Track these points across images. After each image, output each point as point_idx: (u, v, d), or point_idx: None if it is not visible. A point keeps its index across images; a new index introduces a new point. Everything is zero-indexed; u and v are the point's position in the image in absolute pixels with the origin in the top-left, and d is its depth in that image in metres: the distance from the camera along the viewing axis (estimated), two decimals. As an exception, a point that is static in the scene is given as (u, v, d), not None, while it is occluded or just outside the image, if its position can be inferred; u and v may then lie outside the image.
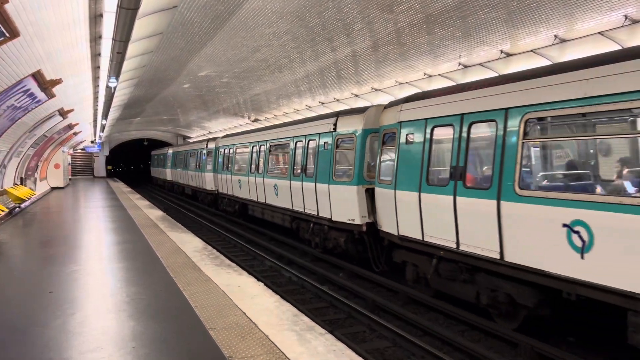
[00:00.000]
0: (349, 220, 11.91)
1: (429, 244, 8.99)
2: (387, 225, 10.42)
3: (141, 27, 12.21)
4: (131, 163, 77.69)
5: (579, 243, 6.28)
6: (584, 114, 6.40)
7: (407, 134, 9.73)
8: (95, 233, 13.55)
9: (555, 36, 12.19)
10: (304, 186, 14.05)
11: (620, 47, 11.26)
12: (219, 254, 10.19)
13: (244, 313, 6.16)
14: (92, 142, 45.54)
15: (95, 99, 19.36)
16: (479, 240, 7.86)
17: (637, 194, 6.04)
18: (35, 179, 28.37)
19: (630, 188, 6.45)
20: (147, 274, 8.45)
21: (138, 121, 44.01)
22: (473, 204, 7.96)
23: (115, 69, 11.86)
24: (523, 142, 7.21)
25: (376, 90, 20.14)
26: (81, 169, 53.00)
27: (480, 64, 14.91)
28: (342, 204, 12.16)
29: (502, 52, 13.87)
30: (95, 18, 9.78)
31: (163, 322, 6.00)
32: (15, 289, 7.85)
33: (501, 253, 7.44)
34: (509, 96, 7.42)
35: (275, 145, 16.99)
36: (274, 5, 13.65)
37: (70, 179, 42.75)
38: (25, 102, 13.45)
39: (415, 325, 8.50)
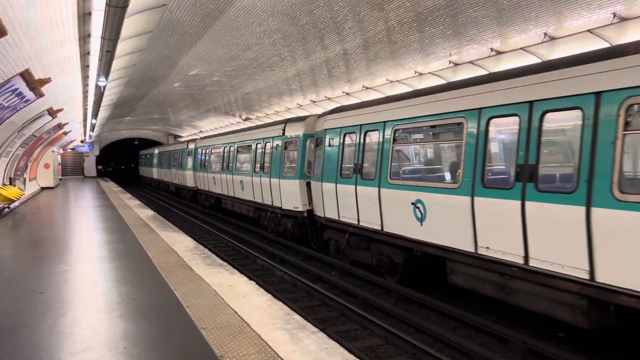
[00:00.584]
0: (294, 208, 14.60)
1: (343, 222, 11.69)
2: (319, 210, 13.04)
3: (130, 25, 12.15)
4: (122, 163, 77.30)
5: (419, 215, 8.98)
6: (431, 126, 9.19)
7: (329, 139, 12.42)
8: (85, 233, 13.47)
9: (545, 34, 12.25)
10: (262, 181, 16.79)
11: (608, 45, 11.34)
12: (210, 253, 10.16)
13: (236, 312, 6.15)
14: (82, 141, 45.26)
15: (85, 98, 19.23)
16: (370, 218, 10.56)
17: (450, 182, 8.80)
18: (25, 179, 28.15)
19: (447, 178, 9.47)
20: (138, 274, 8.41)
21: (128, 120, 43.78)
22: (365, 191, 10.67)
23: (105, 68, 11.79)
24: (393, 146, 10.07)
25: (367, 88, 20.16)
26: (71, 168, 52.66)
27: (470, 62, 14.96)
28: (289, 195, 14.80)
29: (492, 50, 13.93)
30: (84, 16, 9.71)
31: (154, 322, 5.98)
32: (5, 289, 7.78)
33: (381, 225, 10.17)
34: (385, 114, 10.20)
35: (241, 146, 19.60)
36: (264, 3, 13.62)
37: (60, 179, 42.45)
38: (14, 102, 13.33)
39: (407, 323, 8.52)
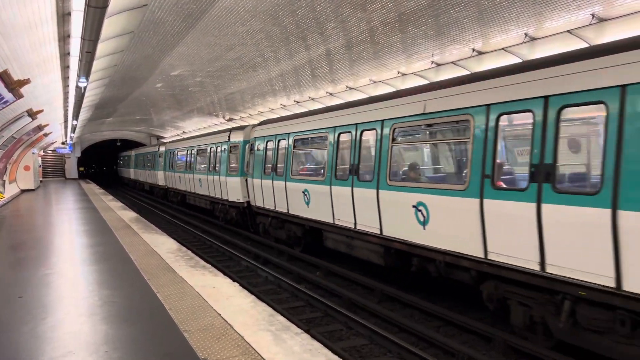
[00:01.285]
0: (237, 200, 18.35)
1: (267, 209, 15.35)
2: (252, 201, 16.59)
3: (111, 25, 12.02)
4: (104, 164, 76.41)
5: (306, 200, 12.65)
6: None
7: (257, 145, 16.09)
8: (67, 236, 13.30)
9: (526, 34, 12.36)
10: (214, 179, 20.43)
11: (587, 45, 11.49)
12: (193, 255, 10.10)
13: (219, 314, 6.12)
14: (63, 143, 44.65)
15: (66, 99, 18.98)
16: (282, 205, 14.05)
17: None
18: (4, 181, 27.70)
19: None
20: (120, 277, 8.33)
21: (110, 121, 43.31)
22: (279, 185, 14.13)
23: (85, 69, 11.63)
24: (294, 151, 13.72)
25: (351, 89, 20.17)
26: (52, 170, 51.92)
27: (452, 63, 15.03)
28: (233, 190, 18.58)
29: (474, 50, 14.02)
30: (64, 16, 9.57)
31: (136, 325, 5.92)
32: (-17, 294, 7.65)
33: (287, 210, 13.73)
34: (290, 127, 13.92)
35: (200, 149, 23.28)
36: (246, 3, 13.56)
37: (41, 181, 41.86)
38: (-8, 103, 13.12)
39: (392, 322, 8.55)
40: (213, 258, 14.36)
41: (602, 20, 10.74)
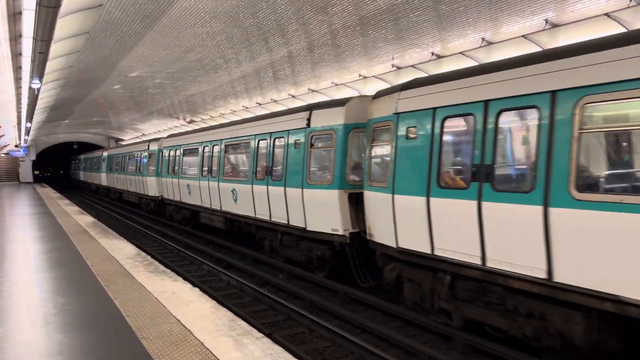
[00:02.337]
0: (154, 194, 23.23)
1: (171, 200, 20.78)
2: (164, 195, 21.58)
3: (64, 25, 11.70)
4: (61, 167, 74.26)
5: (189, 191, 18.12)
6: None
7: (164, 152, 21.57)
8: (21, 242, 12.85)
9: (483, 39, 12.65)
10: (139, 179, 25.18)
11: (541, 49, 11.84)
12: (153, 260, 9.91)
13: (179, 320, 6.01)
14: (16, 146, 43.22)
15: (19, 100, 18.38)
16: (178, 196, 19.47)
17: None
18: (-47, 186, 26.56)
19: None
20: (76, 284, 8.09)
21: (67, 123, 42.17)
22: (176, 182, 19.44)
23: (38, 70, 11.31)
24: (183, 158, 19.13)
25: (313, 91, 20.22)
26: (6, 174, 50.18)
27: (412, 66, 15.26)
28: (151, 187, 23.22)
29: (433, 54, 14.26)
30: (14, 16, 9.28)
31: (92, 333, 5.76)
32: None
33: (180, 199, 19.05)
34: (182, 140, 19.46)
35: (130, 155, 27.68)
36: (206, 4, 13.42)
37: (-7, 186, 40.36)
38: (-61, 105, 12.58)
39: (354, 324, 8.58)
40: (174, 263, 14.13)
41: (555, 25, 11.09)
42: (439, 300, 7.73)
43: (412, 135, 7.97)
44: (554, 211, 5.79)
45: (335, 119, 10.31)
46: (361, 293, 10.00)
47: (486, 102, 6.72)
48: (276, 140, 12.48)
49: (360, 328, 8.41)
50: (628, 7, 9.74)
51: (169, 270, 8.87)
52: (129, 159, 27.96)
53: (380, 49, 15.04)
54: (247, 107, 25.46)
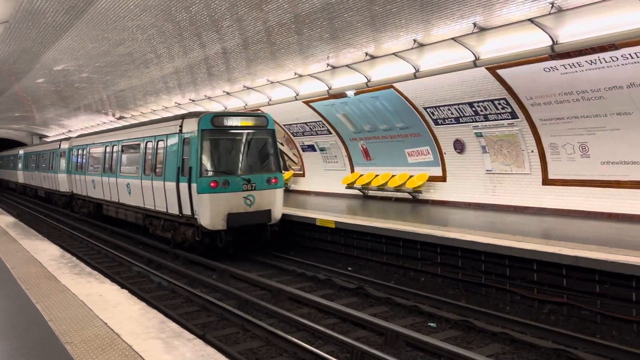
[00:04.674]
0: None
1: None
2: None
3: (-19, 13, 10.97)
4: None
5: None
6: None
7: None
8: None
9: (414, 40, 12.93)
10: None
11: (470, 52, 12.27)
12: (79, 261, 9.48)
13: (106, 323, 5.78)
14: None
15: None
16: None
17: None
18: None
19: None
20: (-6, 288, 7.61)
21: (-16, 119, 39.62)
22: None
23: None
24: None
25: (248, 88, 20.01)
26: None
27: (347, 66, 15.39)
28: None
29: (367, 54, 14.44)
30: None
31: (12, 339, 5.44)
32: None
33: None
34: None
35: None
36: (136, -3, 12.97)
37: None
38: None
39: (288, 322, 8.57)
40: (101, 264, 13.58)
41: (482, 29, 11.50)
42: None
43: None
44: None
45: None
46: (298, 291, 10.01)
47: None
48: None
49: (295, 326, 8.41)
50: (549, 13, 10.25)
51: (95, 272, 8.51)
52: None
53: (315, 48, 15.07)
54: (179, 104, 24.86)
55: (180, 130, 13.76)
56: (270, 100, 19.86)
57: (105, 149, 19.54)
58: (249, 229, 13.62)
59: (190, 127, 13.41)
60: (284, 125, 21.52)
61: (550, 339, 7.68)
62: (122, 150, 17.99)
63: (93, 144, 21.38)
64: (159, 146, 15.06)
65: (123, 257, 14.14)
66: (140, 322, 5.80)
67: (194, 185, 12.86)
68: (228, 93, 21.17)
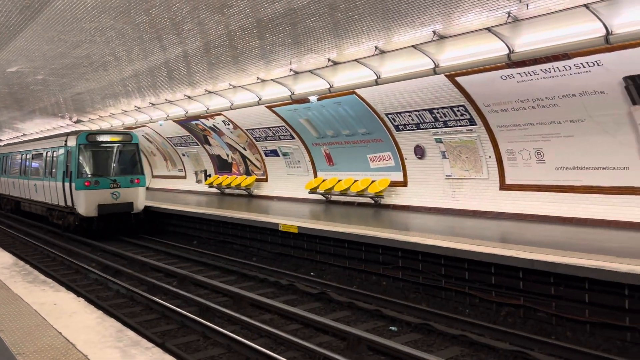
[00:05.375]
0: None
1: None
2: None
3: None
4: None
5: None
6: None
7: None
8: None
9: (376, 47, 13.07)
10: None
11: (430, 60, 12.48)
12: (32, 269, 9.17)
13: (60, 333, 5.60)
14: None
15: None
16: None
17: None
18: None
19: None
20: (-60, 298, 7.28)
21: None
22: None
23: None
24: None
25: (210, 92, 19.80)
26: None
27: (310, 71, 15.42)
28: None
29: (329, 60, 14.51)
30: None
31: (-42, 352, 5.21)
32: None
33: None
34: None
35: None
36: (94, -2, 12.68)
37: None
38: None
39: (250, 329, 8.50)
40: (57, 272, 13.18)
41: (442, 37, 11.72)
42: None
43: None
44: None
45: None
46: (260, 297, 9.94)
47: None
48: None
49: (257, 332, 8.35)
50: (506, 23, 10.53)
51: (50, 280, 8.25)
52: None
53: (278, 53, 15.05)
54: (139, 108, 24.42)
55: (65, 144, 18.84)
56: (232, 104, 19.72)
57: (21, 156, 24.38)
58: (117, 216, 18.45)
59: (72, 142, 18.44)
60: (247, 129, 21.40)
61: (508, 340, 7.85)
62: (33, 158, 22.69)
63: (13, 152, 26.45)
64: (54, 155, 19.84)
65: (79, 263, 13.76)
66: (96, 331, 5.65)
67: (73, 184, 17.89)
68: (189, 97, 20.91)
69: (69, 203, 18.25)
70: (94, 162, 18.48)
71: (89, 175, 18.15)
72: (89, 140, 18.40)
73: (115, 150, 18.94)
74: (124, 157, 19.21)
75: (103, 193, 17.97)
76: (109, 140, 18.96)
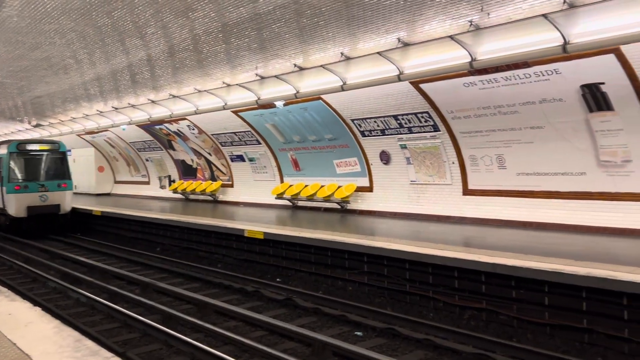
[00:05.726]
0: None
1: None
2: None
3: None
4: None
5: None
6: None
7: None
8: None
9: (342, 53, 13.15)
10: None
11: (395, 67, 12.62)
12: (-14, 278, 8.85)
13: (15, 344, 5.40)
14: None
15: None
16: None
17: None
18: None
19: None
20: None
21: None
22: None
23: None
24: None
25: (174, 97, 19.55)
26: None
27: (276, 76, 15.39)
28: None
29: (295, 65, 14.52)
30: None
31: None
32: None
33: None
34: None
35: None
36: (55, -1, 12.41)
37: None
38: None
39: (215, 336, 8.39)
40: (12, 280, 12.75)
41: (406, 44, 11.88)
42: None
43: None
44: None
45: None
46: (224, 304, 9.82)
47: None
48: None
49: (222, 340, 8.24)
50: (468, 31, 10.74)
51: (4, 289, 7.96)
52: None
53: (243, 58, 14.99)
54: (101, 112, 23.93)
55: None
56: (197, 109, 19.51)
57: None
58: (45, 217, 20.31)
59: (3, 151, 20.33)
60: (212, 134, 21.20)
61: (471, 344, 7.96)
62: None
63: None
64: None
65: (36, 271, 13.35)
66: (53, 341, 5.47)
67: (4, 188, 19.75)
68: (153, 101, 20.61)
69: (2, 205, 20.21)
70: (24, 168, 20.36)
71: (19, 180, 20.05)
72: (19, 149, 20.32)
73: (44, 157, 20.91)
74: (52, 164, 21.11)
75: (32, 196, 19.92)
76: (37, 148, 20.90)
